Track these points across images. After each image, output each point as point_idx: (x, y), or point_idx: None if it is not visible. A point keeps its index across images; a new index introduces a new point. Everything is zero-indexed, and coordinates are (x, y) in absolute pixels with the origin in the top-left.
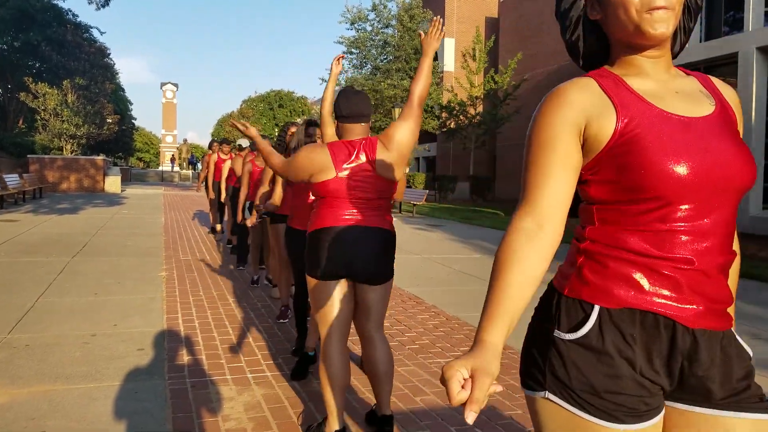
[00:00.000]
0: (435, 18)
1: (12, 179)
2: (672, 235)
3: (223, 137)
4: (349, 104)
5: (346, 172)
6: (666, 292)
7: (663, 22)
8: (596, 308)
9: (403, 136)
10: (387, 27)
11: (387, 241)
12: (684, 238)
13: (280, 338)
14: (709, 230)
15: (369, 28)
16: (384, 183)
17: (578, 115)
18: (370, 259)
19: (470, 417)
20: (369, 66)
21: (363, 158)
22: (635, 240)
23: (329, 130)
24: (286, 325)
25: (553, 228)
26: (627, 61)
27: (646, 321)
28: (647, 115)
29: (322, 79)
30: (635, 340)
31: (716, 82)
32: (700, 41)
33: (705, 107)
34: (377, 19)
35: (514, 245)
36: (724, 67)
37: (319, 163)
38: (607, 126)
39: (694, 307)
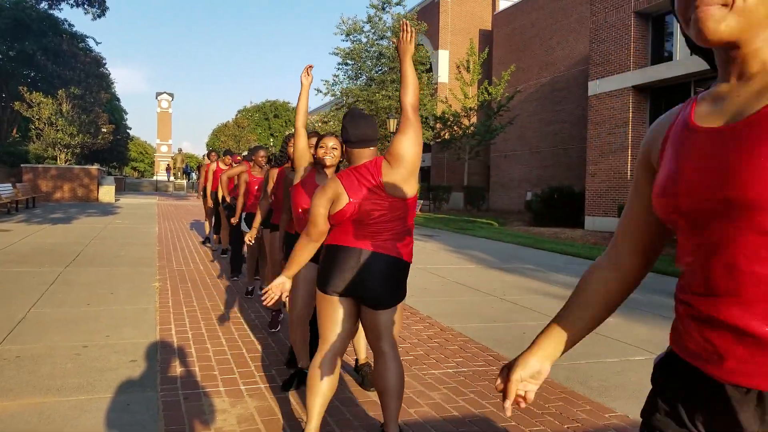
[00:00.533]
0: (403, 21)
1: (5, 189)
2: (691, 269)
3: (226, 149)
4: (357, 130)
5: (357, 198)
6: (697, 339)
7: (709, 21)
8: (670, 348)
9: (406, 150)
10: (382, 39)
11: (396, 268)
12: (697, 271)
13: (274, 349)
14: (718, 257)
15: (364, 40)
16: (396, 203)
17: (644, 144)
18: (375, 286)
19: (507, 410)
20: (364, 77)
21: (370, 181)
22: (682, 277)
23: (301, 143)
24: (280, 337)
25: (623, 263)
26: (719, 66)
27: (688, 371)
28: (679, 134)
29: (317, 90)
30: (678, 389)
31: None
32: (692, 54)
33: (751, 110)
34: (372, 30)
35: (587, 273)
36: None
37: (332, 195)
38: (655, 152)
39: (721, 356)
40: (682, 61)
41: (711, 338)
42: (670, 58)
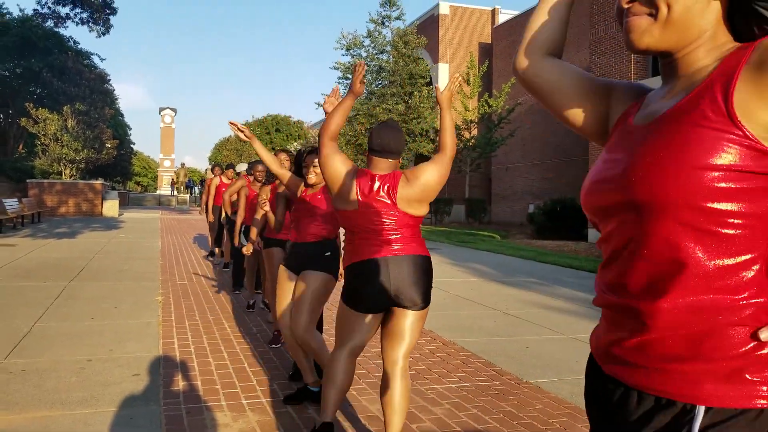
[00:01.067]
0: (455, 76)
1: (11, 204)
2: (604, 262)
3: (228, 162)
4: (380, 139)
5: (367, 205)
6: (598, 330)
7: (634, 31)
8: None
9: (429, 178)
10: (382, 53)
11: (425, 265)
12: (606, 264)
13: (276, 363)
14: (615, 255)
15: (364, 54)
16: (407, 217)
17: (619, 87)
18: (411, 285)
19: None
20: (364, 91)
21: (383, 192)
22: None
23: (289, 182)
24: (282, 350)
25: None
26: (660, 69)
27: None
28: (619, 129)
29: (318, 104)
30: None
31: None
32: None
33: (658, 113)
34: (372, 45)
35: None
36: None
37: (347, 179)
38: (614, 112)
39: (601, 344)
40: None
41: (602, 328)
42: None
